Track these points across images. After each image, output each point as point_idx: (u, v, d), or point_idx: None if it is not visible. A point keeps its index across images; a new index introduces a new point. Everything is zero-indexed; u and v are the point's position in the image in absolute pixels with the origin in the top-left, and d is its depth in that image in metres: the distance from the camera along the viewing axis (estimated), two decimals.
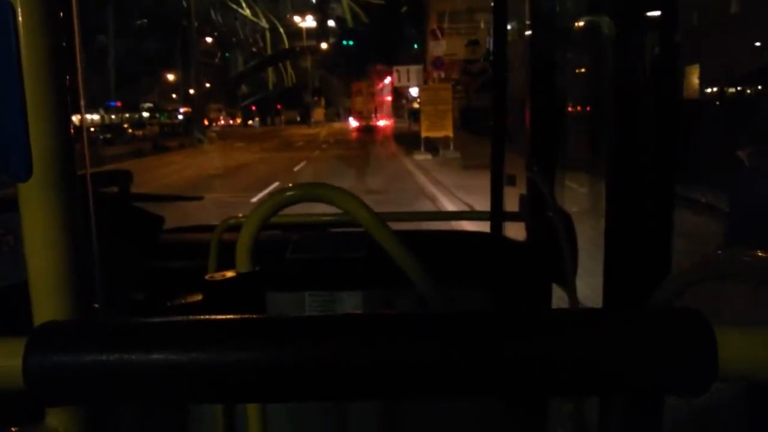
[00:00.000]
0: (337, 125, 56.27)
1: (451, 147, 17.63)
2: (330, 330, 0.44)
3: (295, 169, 16.71)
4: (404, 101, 59.51)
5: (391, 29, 60.44)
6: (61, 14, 0.54)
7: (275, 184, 11.41)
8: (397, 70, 22.62)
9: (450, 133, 17.69)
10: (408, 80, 22.71)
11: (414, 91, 46.86)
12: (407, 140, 24.66)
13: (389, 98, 57.64)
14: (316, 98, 67.57)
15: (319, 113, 66.84)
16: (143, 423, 1.29)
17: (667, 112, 1.00)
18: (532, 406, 1.41)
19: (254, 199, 10.19)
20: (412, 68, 22.66)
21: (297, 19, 71.32)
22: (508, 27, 1.65)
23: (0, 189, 0.92)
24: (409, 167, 16.08)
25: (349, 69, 67.42)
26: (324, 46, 71.75)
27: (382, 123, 44.00)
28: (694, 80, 15.40)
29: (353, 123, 45.34)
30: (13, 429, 0.53)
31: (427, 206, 9.34)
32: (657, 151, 1.02)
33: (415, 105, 51.63)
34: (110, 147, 24.97)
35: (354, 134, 38.84)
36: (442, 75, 19.25)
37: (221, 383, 0.43)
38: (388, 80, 53.24)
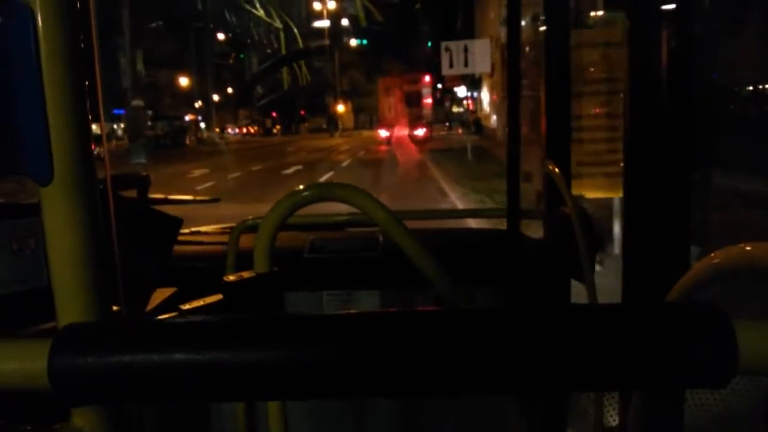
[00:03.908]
0: (366, 134, 47.65)
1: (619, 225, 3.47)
2: (349, 328, 0.44)
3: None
4: (446, 103, 49.73)
5: (406, 26, 53.84)
6: (79, 17, 0.54)
7: None
8: (448, 48, 12.70)
9: (619, 193, 3.21)
10: (466, 65, 12.78)
11: (462, 91, 36.95)
12: (467, 165, 16.78)
13: (429, 100, 47.92)
14: (342, 101, 58.88)
15: (347, 120, 58.29)
16: (165, 421, 1.29)
17: (684, 106, 1.00)
18: (552, 402, 1.41)
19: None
20: (473, 43, 12.77)
21: (313, 12, 64.76)
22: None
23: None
24: None
25: (365, 67, 64.14)
26: (353, 43, 64.15)
27: (420, 132, 34.43)
28: None
29: (383, 134, 35.79)
30: (42, 428, 0.53)
31: None
32: (674, 147, 1.02)
33: (456, 108, 41.79)
34: None
35: (383, 148, 29.06)
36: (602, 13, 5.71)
37: (242, 381, 0.44)
38: (427, 78, 43.75)
